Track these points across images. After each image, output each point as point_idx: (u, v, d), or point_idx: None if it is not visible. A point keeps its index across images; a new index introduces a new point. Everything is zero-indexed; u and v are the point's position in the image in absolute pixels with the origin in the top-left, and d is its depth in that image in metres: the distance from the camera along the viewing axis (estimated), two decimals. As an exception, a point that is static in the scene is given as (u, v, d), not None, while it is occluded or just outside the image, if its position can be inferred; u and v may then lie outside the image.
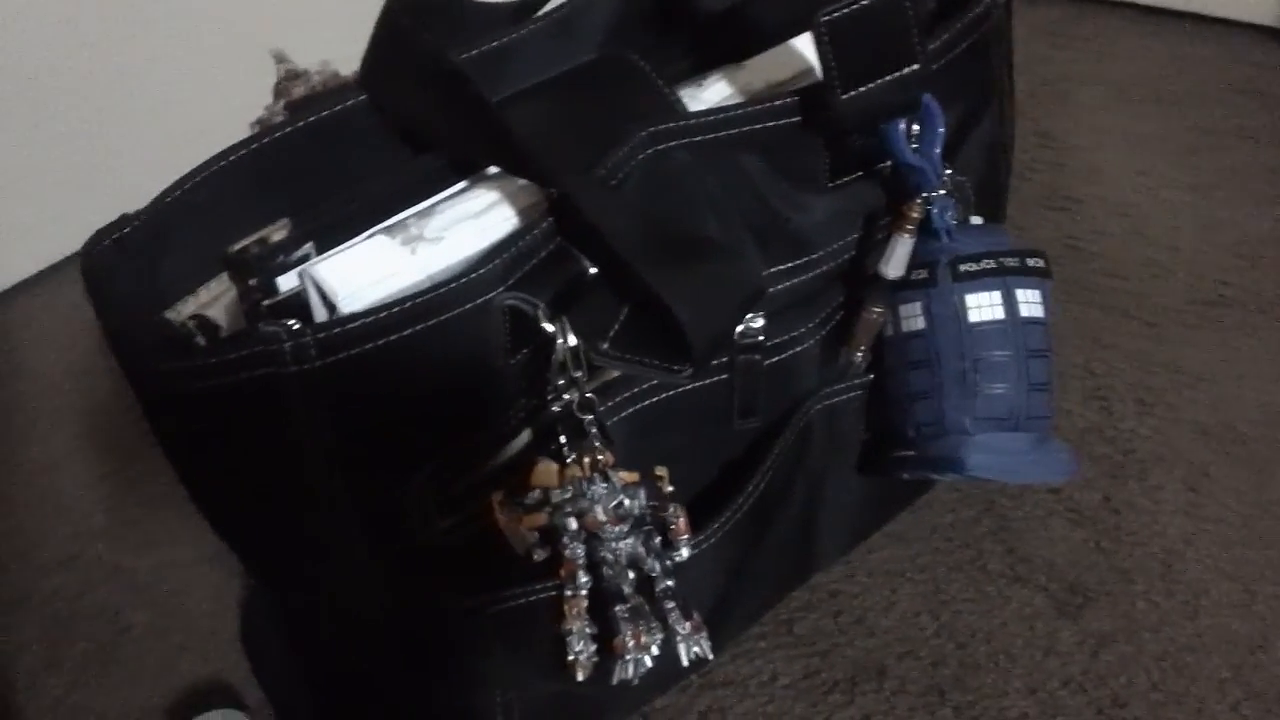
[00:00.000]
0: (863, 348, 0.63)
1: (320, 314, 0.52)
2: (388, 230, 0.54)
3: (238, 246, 0.55)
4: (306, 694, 0.66)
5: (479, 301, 0.50)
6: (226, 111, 0.66)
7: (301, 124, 0.56)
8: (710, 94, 0.61)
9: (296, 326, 0.48)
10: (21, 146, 0.93)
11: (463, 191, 0.56)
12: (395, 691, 0.60)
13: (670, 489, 0.54)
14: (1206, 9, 1.20)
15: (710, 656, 0.54)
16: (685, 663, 0.54)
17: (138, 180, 0.56)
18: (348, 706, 0.62)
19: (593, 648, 0.53)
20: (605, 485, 0.51)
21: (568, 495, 0.51)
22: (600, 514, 0.51)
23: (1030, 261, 0.60)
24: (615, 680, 0.53)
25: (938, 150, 0.58)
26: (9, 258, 0.97)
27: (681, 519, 0.53)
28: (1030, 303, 0.60)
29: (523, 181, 0.55)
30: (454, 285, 0.49)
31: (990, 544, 0.75)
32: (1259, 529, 0.75)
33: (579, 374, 0.50)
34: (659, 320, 0.49)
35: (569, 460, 0.52)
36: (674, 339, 0.49)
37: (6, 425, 0.88)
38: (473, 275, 0.49)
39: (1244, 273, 0.93)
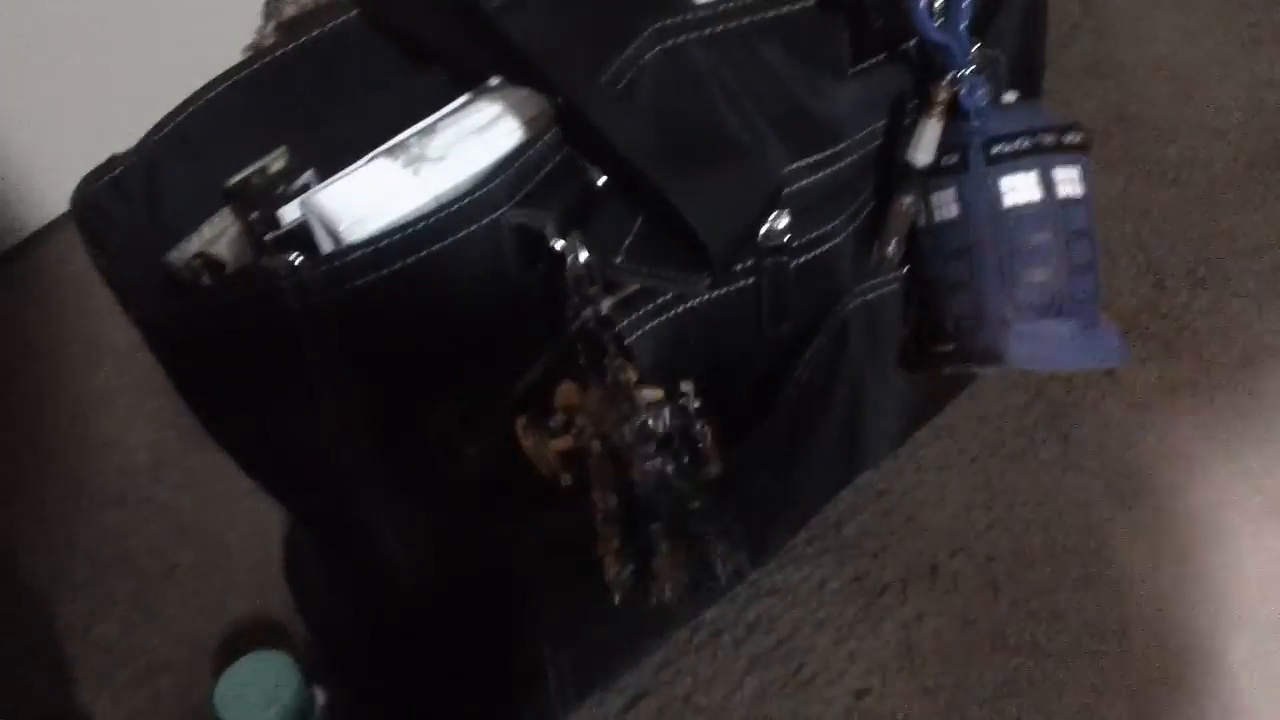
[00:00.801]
0: (895, 240, 0.60)
1: (325, 244, 0.50)
2: (389, 152, 0.52)
3: (237, 179, 0.53)
4: (351, 630, 0.66)
5: (485, 222, 0.47)
6: (215, 38, 0.64)
7: (293, 45, 0.54)
8: (720, -18, 0.58)
9: (299, 261, 0.46)
10: (37, 81, 0.91)
11: (465, 106, 0.54)
12: (438, 627, 0.59)
13: (697, 404, 0.52)
14: None
15: (748, 571, 0.52)
16: (723, 579, 0.52)
17: (130, 114, 0.54)
18: (391, 643, 0.62)
19: (629, 569, 0.52)
20: (629, 404, 0.49)
21: (592, 417, 0.50)
22: (626, 434, 0.49)
23: (1068, 137, 0.57)
24: (654, 601, 0.52)
25: (964, 25, 0.55)
26: (46, 193, 0.96)
27: (710, 435, 0.51)
28: (1069, 180, 0.57)
29: (527, 92, 0.52)
30: (457, 207, 0.47)
31: (1042, 431, 0.73)
32: (1324, 401, 0.72)
33: (594, 290, 0.48)
34: (674, 228, 0.47)
35: (591, 381, 0.50)
36: (691, 247, 0.47)
37: (49, 365, 0.88)
38: (476, 194, 0.47)
39: (1302, 131, 0.88)
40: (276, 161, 0.53)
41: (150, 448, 0.82)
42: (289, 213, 0.53)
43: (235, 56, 0.54)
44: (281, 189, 0.53)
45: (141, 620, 0.71)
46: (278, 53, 0.54)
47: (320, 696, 0.61)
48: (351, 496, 0.55)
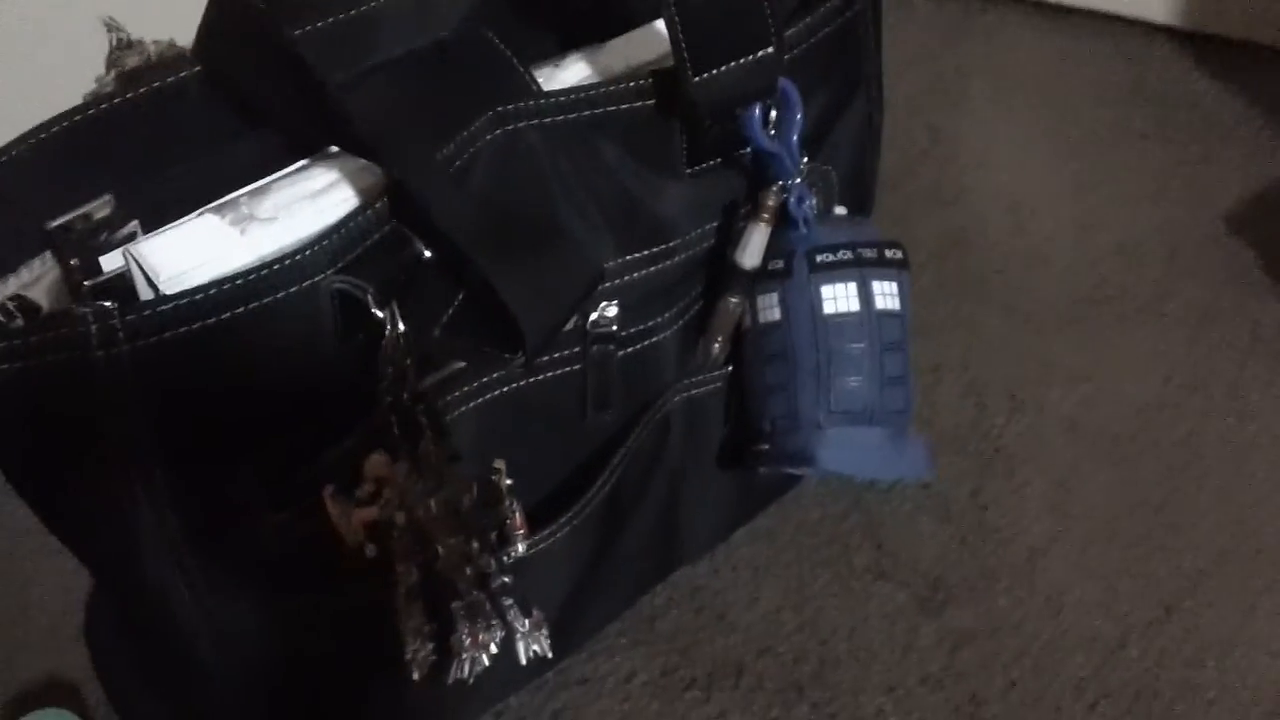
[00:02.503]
0: (720, 339, 0.61)
1: (145, 295, 0.50)
2: (218, 209, 0.52)
3: (58, 222, 0.52)
4: (149, 695, 0.64)
5: (305, 285, 0.47)
6: (53, 83, 0.63)
7: (131, 95, 0.54)
8: (568, 75, 0.59)
9: (106, 308, 0.45)
10: None
11: (301, 170, 0.54)
12: (233, 691, 0.57)
13: (508, 483, 0.52)
14: (1098, 5, 1.20)
15: (549, 655, 0.52)
16: (523, 661, 0.52)
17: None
18: (189, 711, 0.60)
19: (430, 646, 0.51)
20: (436, 478, 0.49)
21: (399, 489, 0.49)
22: (431, 508, 0.49)
23: (888, 253, 0.59)
24: (451, 679, 0.51)
25: (795, 137, 0.57)
26: None
27: (517, 514, 0.51)
28: (886, 295, 0.59)
29: (364, 161, 0.53)
30: (278, 267, 0.47)
31: (856, 539, 0.75)
32: (1123, 528, 0.75)
33: (409, 362, 0.48)
34: (493, 309, 0.48)
35: (401, 453, 0.50)
36: (507, 328, 0.48)
37: None
38: (298, 256, 0.47)
39: (1123, 271, 0.93)
40: (101, 209, 0.53)
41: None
42: (111, 261, 0.52)
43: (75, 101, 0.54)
44: (105, 236, 0.52)
45: (-81, 675, 0.68)
46: (114, 101, 0.53)
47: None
48: (145, 558, 0.53)
